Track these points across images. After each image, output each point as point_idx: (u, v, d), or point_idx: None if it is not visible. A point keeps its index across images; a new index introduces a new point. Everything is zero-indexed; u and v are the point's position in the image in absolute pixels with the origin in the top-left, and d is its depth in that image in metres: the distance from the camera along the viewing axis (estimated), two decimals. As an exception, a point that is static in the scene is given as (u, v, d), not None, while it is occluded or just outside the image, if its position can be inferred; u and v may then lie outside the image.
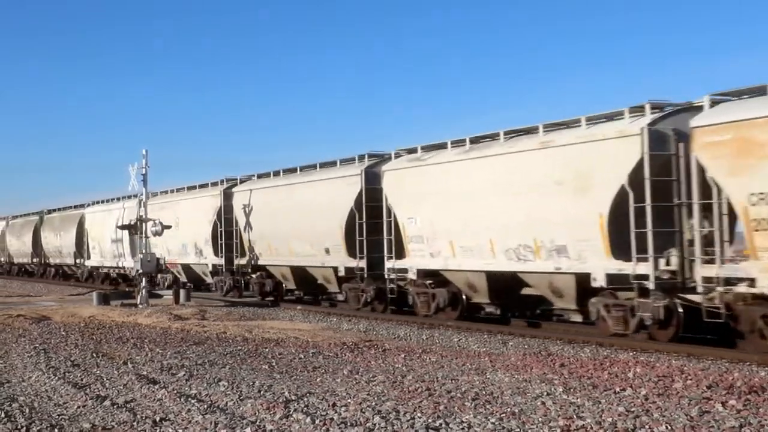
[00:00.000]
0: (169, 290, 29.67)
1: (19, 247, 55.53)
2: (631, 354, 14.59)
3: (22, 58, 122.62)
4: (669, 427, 8.10)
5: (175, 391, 10.55)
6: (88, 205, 44.39)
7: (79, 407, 9.95)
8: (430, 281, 20.74)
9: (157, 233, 29.96)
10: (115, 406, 9.83)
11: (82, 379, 11.89)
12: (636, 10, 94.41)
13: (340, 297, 24.94)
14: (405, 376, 11.60)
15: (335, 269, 23.86)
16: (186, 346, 15.85)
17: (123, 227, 32.82)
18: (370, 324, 20.71)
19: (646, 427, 8.14)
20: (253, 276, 28.70)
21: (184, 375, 12.00)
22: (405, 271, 21.12)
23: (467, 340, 17.17)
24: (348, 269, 23.26)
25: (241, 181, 29.97)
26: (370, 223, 22.42)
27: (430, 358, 13.65)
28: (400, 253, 21.26)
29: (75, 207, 46.86)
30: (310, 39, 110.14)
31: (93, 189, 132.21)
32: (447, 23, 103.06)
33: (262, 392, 10.47)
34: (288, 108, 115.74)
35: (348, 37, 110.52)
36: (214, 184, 31.53)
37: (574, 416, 8.64)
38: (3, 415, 9.44)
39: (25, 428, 8.88)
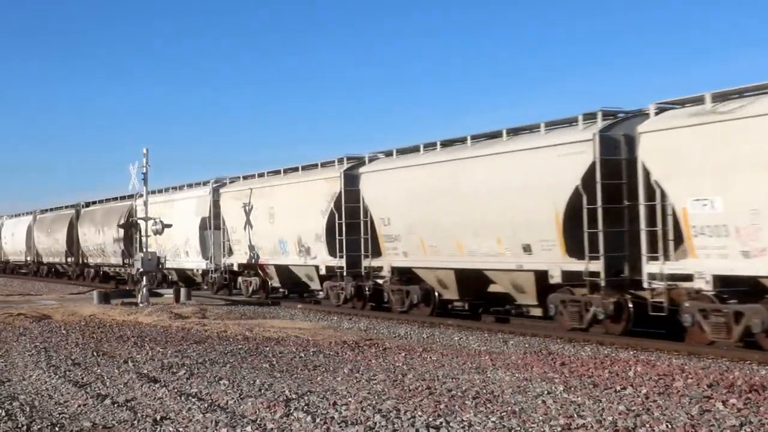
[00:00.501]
0: (170, 289, 29.70)
1: (50, 245, 47.65)
2: (631, 353, 14.59)
3: (22, 58, 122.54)
4: (669, 426, 8.09)
5: (176, 390, 10.56)
6: (140, 196, 36.14)
7: (79, 406, 9.96)
8: (713, 292, 14.12)
9: (157, 232, 30.03)
10: (115, 405, 9.83)
11: (82, 378, 11.90)
12: (636, 10, 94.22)
13: (535, 312, 18.69)
14: (405, 375, 11.60)
15: (541, 274, 17.32)
16: (186, 344, 15.86)
17: (122, 226, 32.91)
18: (371, 323, 20.70)
19: (647, 425, 8.13)
20: (384, 281, 22.47)
21: (185, 374, 12.00)
22: (687, 278, 14.39)
23: (468, 339, 17.16)
24: (567, 274, 16.68)
25: (370, 160, 23.42)
26: (607, 209, 15.89)
27: (430, 357, 13.65)
28: (666, 252, 14.87)
29: (122, 198, 39.62)
30: (310, 39, 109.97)
31: (92, 188, 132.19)
32: (447, 23, 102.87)
33: (262, 391, 10.47)
34: (288, 108, 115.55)
35: (348, 37, 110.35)
36: (327, 164, 25.18)
37: (575, 415, 8.64)
38: (4, 414, 9.44)
39: (25, 427, 8.88)
